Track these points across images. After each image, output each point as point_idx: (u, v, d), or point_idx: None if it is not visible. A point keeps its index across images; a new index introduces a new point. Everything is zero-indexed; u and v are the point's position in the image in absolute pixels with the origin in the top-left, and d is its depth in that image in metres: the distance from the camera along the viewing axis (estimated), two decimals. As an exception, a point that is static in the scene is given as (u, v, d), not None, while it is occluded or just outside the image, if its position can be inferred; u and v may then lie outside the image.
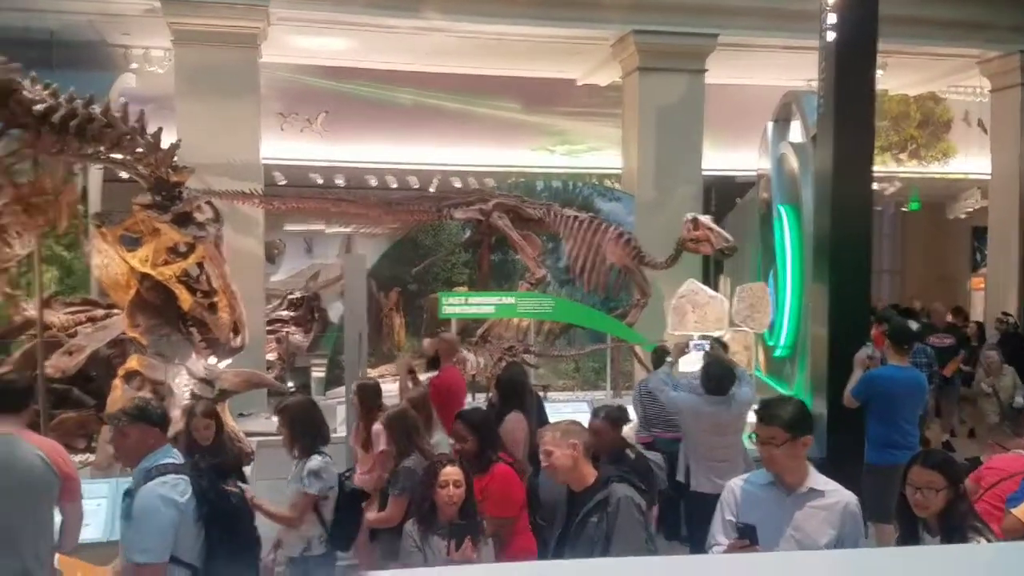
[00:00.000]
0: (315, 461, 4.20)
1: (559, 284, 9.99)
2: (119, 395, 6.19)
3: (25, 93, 5.96)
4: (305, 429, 4.30)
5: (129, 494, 3.40)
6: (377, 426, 5.07)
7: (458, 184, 11.72)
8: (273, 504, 4.25)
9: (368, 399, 5.53)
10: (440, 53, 10.34)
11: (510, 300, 8.16)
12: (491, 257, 9.68)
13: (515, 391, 5.58)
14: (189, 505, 3.33)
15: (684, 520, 5.74)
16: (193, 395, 6.40)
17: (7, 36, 8.15)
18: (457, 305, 8.07)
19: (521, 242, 8.73)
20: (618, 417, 4.81)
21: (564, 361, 10.00)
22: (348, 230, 11.43)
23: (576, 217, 8.87)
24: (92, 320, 7.51)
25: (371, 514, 4.61)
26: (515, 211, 8.86)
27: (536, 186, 10.56)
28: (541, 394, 7.51)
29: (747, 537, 2.90)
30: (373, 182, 12.14)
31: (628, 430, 6.96)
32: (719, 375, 5.24)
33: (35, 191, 6.21)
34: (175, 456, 3.50)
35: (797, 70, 10.92)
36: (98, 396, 7.06)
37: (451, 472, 3.70)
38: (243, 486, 3.97)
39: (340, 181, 11.91)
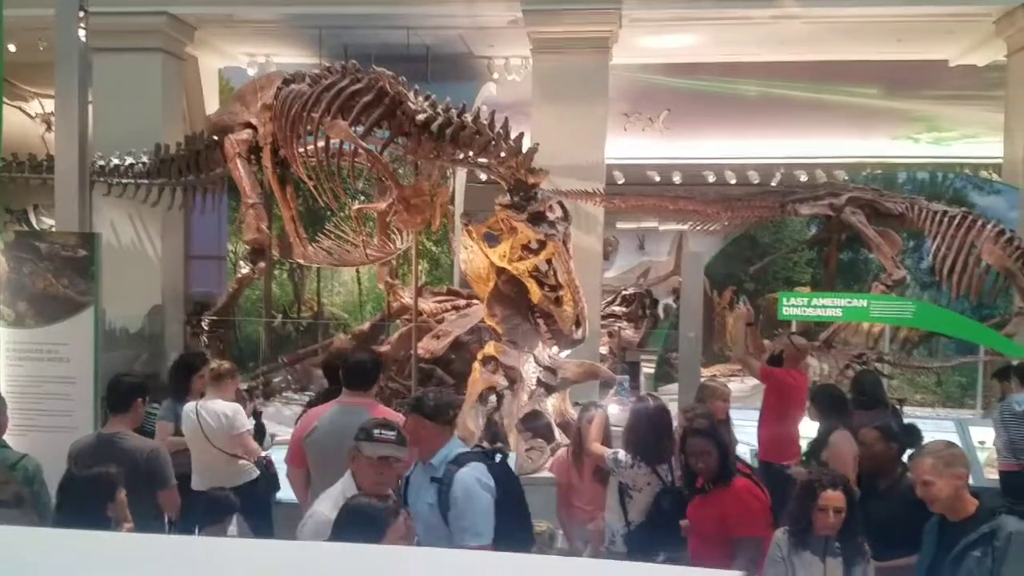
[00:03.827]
0: (621, 453, 4.44)
1: (921, 287, 9.03)
2: (477, 377, 6.75)
3: (409, 104, 6.72)
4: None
5: (436, 481, 3.54)
6: None
7: (804, 178, 11.08)
8: None
9: None
10: (790, 41, 9.80)
11: (862, 303, 7.50)
12: (839, 256, 9.03)
13: (835, 405, 5.18)
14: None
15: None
16: (539, 382, 6.81)
17: (392, 53, 9.28)
18: (799, 306, 7.55)
19: (878, 239, 8.00)
20: (893, 434, 4.30)
21: (924, 373, 9.01)
22: (682, 227, 11.39)
23: (946, 212, 7.92)
24: (456, 309, 8.29)
25: None
26: (872, 205, 8.14)
27: (897, 178, 9.62)
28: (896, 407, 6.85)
29: None
30: (711, 178, 11.93)
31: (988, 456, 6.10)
32: None
33: (415, 193, 6.97)
34: (463, 446, 3.75)
35: None
36: (456, 376, 7.79)
37: (833, 497, 3.46)
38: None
39: (677, 178, 11.89)
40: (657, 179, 11.91)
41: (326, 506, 3.12)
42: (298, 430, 4.27)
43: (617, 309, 11.12)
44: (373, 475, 3.21)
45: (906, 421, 5.51)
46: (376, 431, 3.26)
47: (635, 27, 9.07)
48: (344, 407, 4.21)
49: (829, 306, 7.51)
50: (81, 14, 5.36)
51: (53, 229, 6.50)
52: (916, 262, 8.96)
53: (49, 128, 10.31)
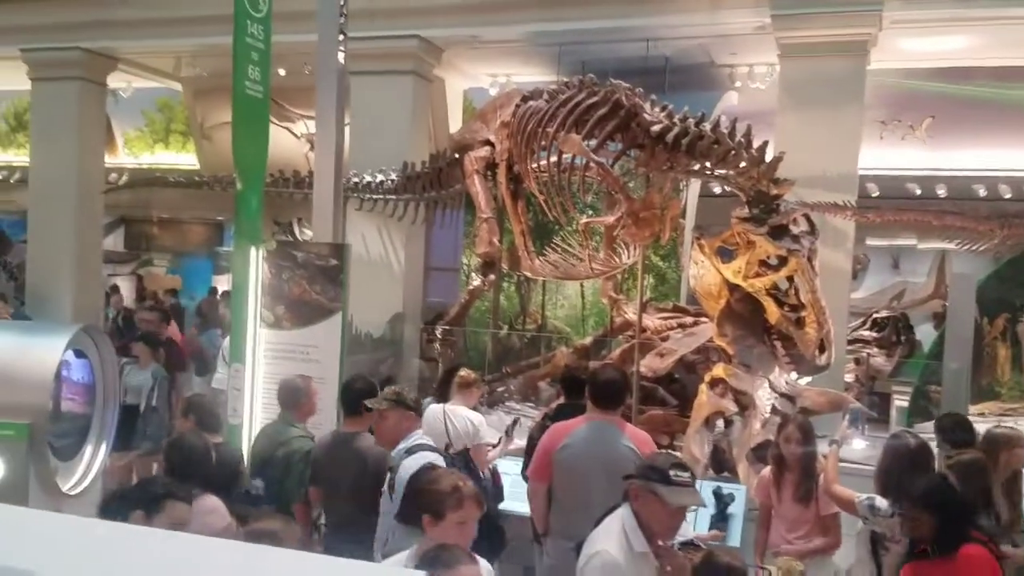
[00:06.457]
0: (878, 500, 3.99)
1: None
2: (704, 400, 6.39)
3: (645, 116, 6.57)
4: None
5: (391, 471, 3.81)
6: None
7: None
8: None
9: None
10: (1084, 40, 8.49)
11: None
12: None
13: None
14: None
15: None
16: (774, 410, 6.32)
17: (629, 66, 9.14)
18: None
19: None
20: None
21: None
22: (946, 246, 10.25)
23: None
24: (682, 326, 7.95)
25: None
26: None
27: None
28: None
29: None
30: (982, 192, 10.63)
31: None
32: None
33: (645, 206, 6.77)
34: (426, 439, 3.98)
35: None
36: (680, 397, 7.46)
37: None
38: None
39: (942, 192, 10.69)
40: (918, 192, 10.77)
41: (612, 546, 2.95)
42: (546, 445, 4.25)
43: (866, 334, 10.25)
44: (668, 521, 3.01)
45: None
46: (673, 473, 2.99)
47: (897, 29, 8.27)
48: (595, 423, 4.16)
49: None
50: (341, 38, 5.76)
51: (311, 239, 7.07)
52: None
53: (312, 147, 11.34)
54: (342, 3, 5.78)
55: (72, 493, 5.97)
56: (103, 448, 5.92)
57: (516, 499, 5.29)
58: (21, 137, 15.27)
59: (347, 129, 6.18)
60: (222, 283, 14.14)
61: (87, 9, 10.70)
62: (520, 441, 5.77)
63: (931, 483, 3.67)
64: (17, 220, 15.00)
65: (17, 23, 11.05)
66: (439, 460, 3.85)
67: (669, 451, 3.35)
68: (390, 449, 3.97)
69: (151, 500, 2.92)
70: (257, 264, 5.56)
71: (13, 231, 15.55)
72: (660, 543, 3.01)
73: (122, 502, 2.96)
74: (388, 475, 3.89)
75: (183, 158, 14.61)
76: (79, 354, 6.43)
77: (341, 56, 5.82)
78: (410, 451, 3.88)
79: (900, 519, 3.63)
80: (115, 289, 13.15)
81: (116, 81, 12.53)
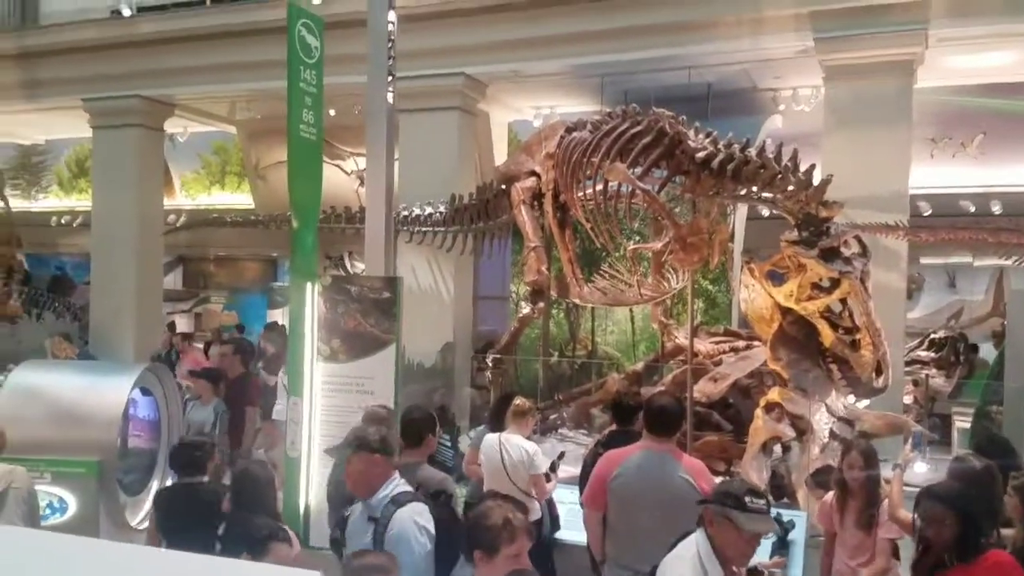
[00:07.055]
0: None
1: None
2: (760, 425, 6.34)
3: (689, 143, 6.60)
4: None
5: (373, 521, 3.43)
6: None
7: None
8: None
9: None
10: None
11: None
12: None
13: None
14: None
15: None
16: (832, 434, 6.23)
17: (671, 94, 9.20)
18: None
19: None
20: None
21: None
22: (1003, 263, 10.03)
23: None
24: (735, 350, 7.89)
25: None
26: None
27: None
28: None
29: None
30: (1038, 208, 10.40)
31: None
32: None
33: (692, 231, 6.78)
34: (405, 484, 3.59)
35: None
36: (735, 422, 7.38)
37: None
38: None
39: (996, 208, 10.49)
40: (972, 209, 10.58)
41: (687, 571, 2.98)
42: (601, 473, 4.26)
43: (924, 354, 10.04)
44: (743, 547, 3.03)
45: None
46: (748, 499, 3.01)
47: (944, 46, 8.20)
48: (649, 453, 4.16)
49: None
50: (389, 79, 5.93)
51: (363, 273, 7.20)
52: None
53: (361, 183, 11.58)
54: (390, 46, 5.95)
55: (140, 528, 6.15)
56: (168, 483, 6.09)
57: (573, 528, 5.31)
58: (83, 183, 15.88)
59: (396, 165, 6.31)
60: (277, 318, 14.43)
61: (145, 58, 11.18)
62: (573, 469, 5.80)
63: (956, 486, 3.65)
64: (81, 262, 15.57)
65: (79, 74, 11.60)
66: (426, 511, 3.51)
67: (753, 485, 3.30)
68: (365, 497, 3.58)
69: (255, 542, 2.98)
70: (313, 299, 5.70)
71: (77, 273, 16.13)
72: (734, 569, 3.02)
73: (225, 544, 3.02)
74: (371, 528, 3.46)
75: (238, 198, 15.05)
76: (144, 391, 6.65)
77: (390, 96, 5.98)
78: (396, 501, 3.49)
79: (920, 521, 3.53)
80: (171, 327, 13.47)
81: (173, 126, 13.00)
